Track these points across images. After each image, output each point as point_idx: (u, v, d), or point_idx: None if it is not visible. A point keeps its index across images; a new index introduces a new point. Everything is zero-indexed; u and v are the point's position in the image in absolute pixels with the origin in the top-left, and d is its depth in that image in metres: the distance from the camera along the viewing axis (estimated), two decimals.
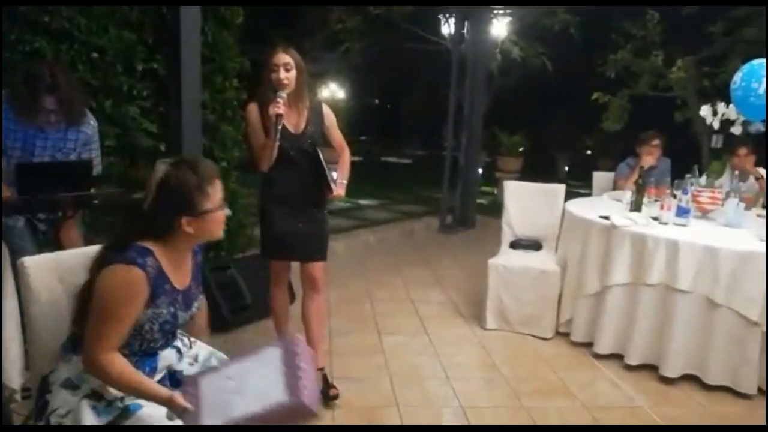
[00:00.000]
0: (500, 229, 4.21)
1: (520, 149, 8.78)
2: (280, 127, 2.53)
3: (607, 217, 3.46)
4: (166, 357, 1.62)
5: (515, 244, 4.02)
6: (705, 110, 3.98)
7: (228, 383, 1.45)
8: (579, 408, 2.86)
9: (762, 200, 4.19)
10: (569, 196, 4.25)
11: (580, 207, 3.90)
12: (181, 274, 1.59)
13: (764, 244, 3.03)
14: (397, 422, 2.64)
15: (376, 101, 13.25)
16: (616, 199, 4.22)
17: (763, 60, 3.68)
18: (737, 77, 3.71)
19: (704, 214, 3.64)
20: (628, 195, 3.98)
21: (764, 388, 2.97)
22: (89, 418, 1.44)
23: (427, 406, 2.79)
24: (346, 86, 14.95)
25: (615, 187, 4.74)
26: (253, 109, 2.69)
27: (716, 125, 3.89)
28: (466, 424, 2.66)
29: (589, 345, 3.44)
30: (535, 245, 3.98)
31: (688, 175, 3.76)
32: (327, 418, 2.60)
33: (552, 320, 3.64)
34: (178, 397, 1.43)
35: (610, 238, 3.34)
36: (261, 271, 3.63)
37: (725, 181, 3.98)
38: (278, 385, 1.38)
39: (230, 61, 4.10)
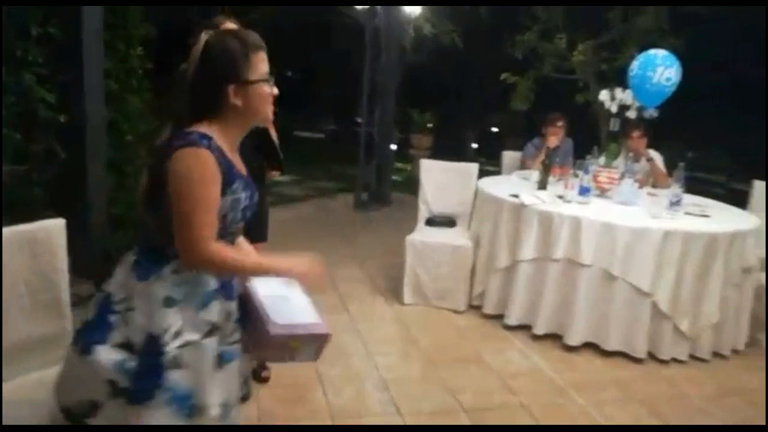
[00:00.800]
0: (415, 206, 4.32)
1: (429, 126, 8.95)
2: None
3: (516, 196, 3.64)
4: None
5: (431, 221, 4.14)
6: (604, 95, 4.26)
7: (278, 288, 1.55)
8: (492, 376, 3.04)
9: (651, 180, 4.57)
10: (479, 174, 4.41)
11: (491, 185, 4.07)
12: (238, 162, 1.50)
13: (655, 221, 3.33)
14: (322, 398, 2.69)
15: (289, 73, 12.86)
16: (524, 177, 4.45)
17: (659, 51, 3.98)
18: (635, 66, 4.00)
19: (603, 192, 3.92)
20: (535, 174, 4.22)
21: (653, 352, 3.30)
22: (210, 354, 1.42)
23: (351, 381, 2.86)
24: None
25: (522, 166, 4.98)
26: None
27: (614, 109, 4.18)
28: (389, 396, 2.75)
29: (499, 317, 3.64)
30: (449, 222, 4.11)
31: (588, 156, 4.02)
32: (253, 394, 2.59)
33: (465, 294, 3.80)
34: (297, 263, 1.49)
35: (520, 216, 3.53)
36: None
37: (621, 162, 4.31)
38: (312, 310, 1.56)
39: (134, 27, 3.86)
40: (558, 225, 3.35)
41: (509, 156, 5.33)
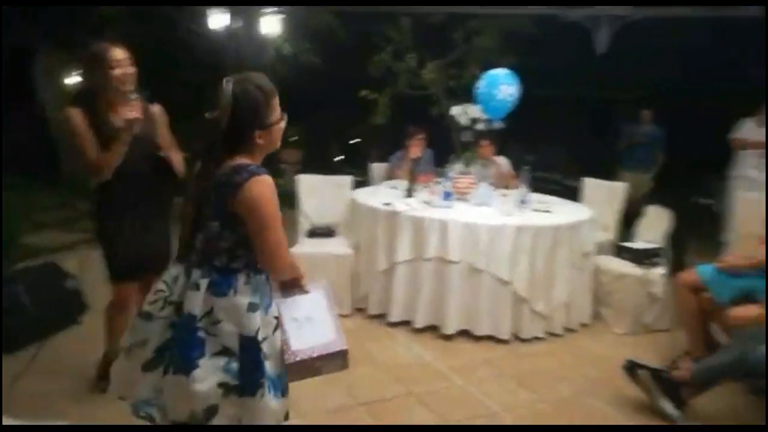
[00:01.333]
0: (291, 219, 4.44)
1: (293, 139, 9.07)
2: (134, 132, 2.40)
3: (389, 204, 3.95)
4: None
5: (312, 233, 4.31)
6: (456, 110, 4.72)
7: (303, 308, 1.81)
8: (382, 370, 3.28)
9: (503, 182, 5.14)
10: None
11: (365, 196, 4.36)
12: None
13: (508, 218, 3.80)
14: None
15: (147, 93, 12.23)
16: (392, 187, 4.79)
17: (501, 70, 4.52)
18: (481, 84, 4.50)
19: (462, 196, 4.34)
20: (402, 183, 4.58)
21: (516, 332, 3.75)
22: (279, 343, 1.77)
23: None
24: None
25: (390, 176, 5.34)
26: (77, 114, 2.44)
27: (466, 122, 4.65)
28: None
29: (382, 316, 3.91)
30: (329, 232, 4.32)
31: (447, 165, 4.46)
32: None
33: (350, 298, 4.02)
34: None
35: (394, 223, 3.83)
36: (49, 282, 3.35)
37: (476, 169, 4.81)
38: (332, 327, 1.82)
39: None
40: (428, 228, 3.70)
41: (377, 167, 5.66)
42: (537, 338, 3.78)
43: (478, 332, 3.70)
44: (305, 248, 4.05)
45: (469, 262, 3.65)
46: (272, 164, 8.82)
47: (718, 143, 6.12)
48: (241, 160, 1.69)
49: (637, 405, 2.99)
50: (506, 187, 4.84)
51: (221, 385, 1.67)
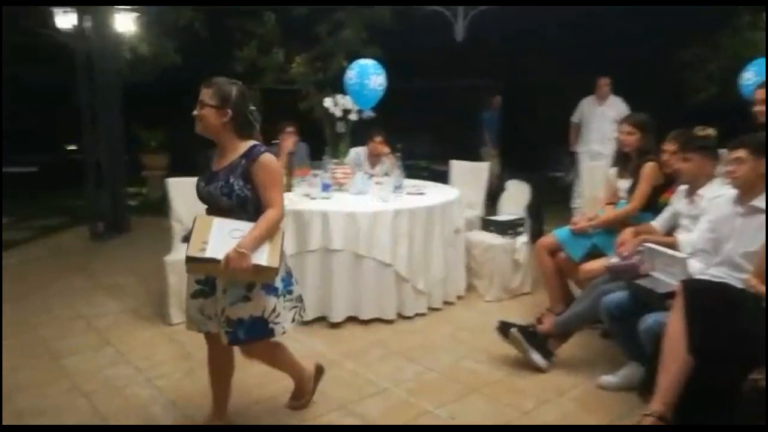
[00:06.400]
0: (159, 227, 4.29)
1: (153, 144, 8.60)
2: None
3: None
4: None
5: (186, 238, 4.15)
6: (329, 102, 4.79)
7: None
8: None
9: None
10: None
11: None
12: None
13: (385, 204, 3.95)
14: None
15: None
16: None
17: (369, 60, 4.65)
18: (352, 74, 4.60)
19: (341, 186, 4.44)
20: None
21: (401, 312, 3.91)
22: None
23: (132, 410, 2.83)
24: None
25: None
26: None
27: (339, 113, 4.74)
28: (181, 413, 2.80)
29: None
30: None
31: (325, 157, 4.52)
32: None
33: None
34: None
35: None
36: None
37: (352, 159, 4.94)
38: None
39: None
40: (309, 220, 3.75)
41: None
42: (419, 314, 3.97)
43: (365, 316, 3.81)
44: (180, 256, 3.88)
45: (352, 250, 3.75)
46: (132, 171, 8.38)
47: (560, 123, 6.85)
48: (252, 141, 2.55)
49: (511, 361, 3.28)
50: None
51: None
